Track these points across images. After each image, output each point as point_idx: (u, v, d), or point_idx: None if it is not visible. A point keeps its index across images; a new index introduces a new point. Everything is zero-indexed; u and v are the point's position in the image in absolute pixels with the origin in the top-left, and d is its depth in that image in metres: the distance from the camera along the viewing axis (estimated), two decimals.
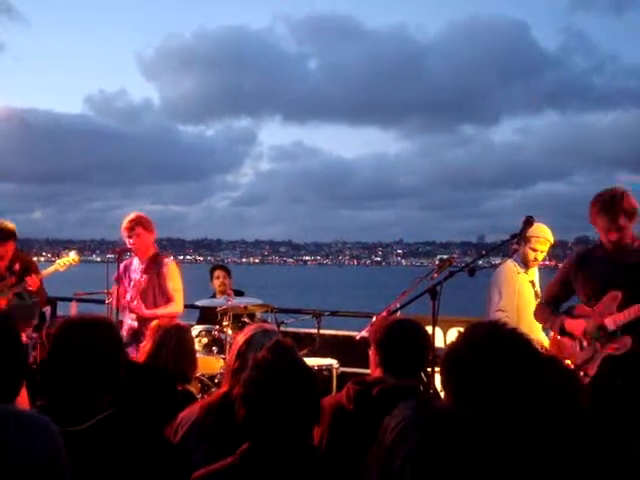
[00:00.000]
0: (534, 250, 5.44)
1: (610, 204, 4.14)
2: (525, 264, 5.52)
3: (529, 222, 4.72)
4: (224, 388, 3.10)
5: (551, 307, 4.60)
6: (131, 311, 5.74)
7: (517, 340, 2.09)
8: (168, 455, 2.36)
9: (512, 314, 5.36)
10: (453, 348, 2.13)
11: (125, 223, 5.83)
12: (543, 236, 5.44)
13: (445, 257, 5.87)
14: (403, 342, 3.05)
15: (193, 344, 4.50)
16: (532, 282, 5.58)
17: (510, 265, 5.48)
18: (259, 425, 2.24)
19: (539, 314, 4.71)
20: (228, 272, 7.65)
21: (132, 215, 5.91)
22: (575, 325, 4.31)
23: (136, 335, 5.72)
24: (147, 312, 5.71)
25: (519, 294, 5.49)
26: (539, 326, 5.15)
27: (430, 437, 1.50)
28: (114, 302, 5.80)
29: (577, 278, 4.41)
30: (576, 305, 4.47)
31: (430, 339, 3.30)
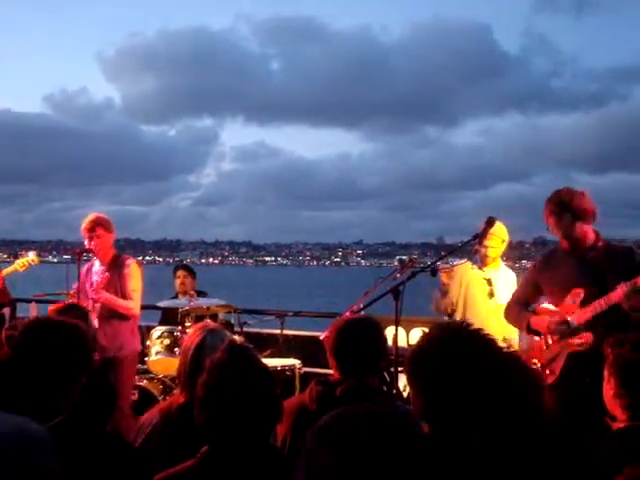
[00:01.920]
0: (484, 247, 5.52)
1: (556, 203, 4.22)
2: (480, 261, 5.61)
3: (490, 223, 4.76)
4: (182, 397, 3.07)
5: (520, 306, 4.59)
6: (93, 299, 5.65)
7: (482, 339, 2.10)
8: (129, 458, 2.35)
9: (459, 308, 5.58)
10: (418, 348, 2.14)
11: (85, 224, 5.74)
12: (494, 233, 5.47)
13: (404, 258, 5.92)
14: (354, 342, 3.01)
15: (86, 317, 4.31)
16: (488, 280, 5.62)
17: (464, 263, 5.61)
18: (219, 427, 2.24)
19: (508, 314, 4.70)
20: (190, 273, 7.56)
21: (92, 216, 5.83)
22: (539, 322, 4.34)
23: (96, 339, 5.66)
24: (106, 295, 5.63)
25: (467, 290, 5.61)
26: (493, 323, 5.22)
27: (356, 439, 1.51)
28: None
29: (543, 279, 4.45)
30: (539, 305, 4.50)
31: (384, 337, 3.28)
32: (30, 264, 6.09)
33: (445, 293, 5.63)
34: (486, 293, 5.60)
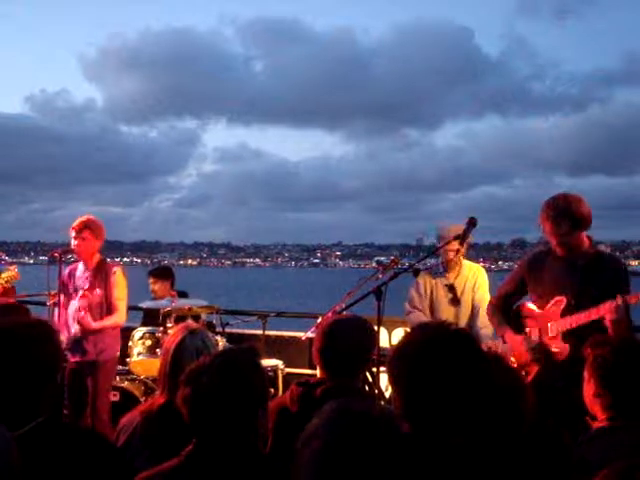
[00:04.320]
0: (447, 251, 5.57)
1: (555, 209, 4.16)
2: (445, 267, 5.69)
3: (472, 223, 4.74)
4: (162, 398, 3.07)
5: (500, 308, 4.56)
6: (79, 323, 5.59)
7: (464, 339, 2.12)
8: (109, 458, 2.34)
9: (427, 315, 5.68)
10: (400, 348, 2.15)
11: (74, 223, 5.68)
12: (441, 235, 5.53)
13: (382, 259, 5.95)
14: (341, 341, 3.00)
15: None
16: (450, 286, 5.66)
17: (422, 274, 5.62)
18: (204, 426, 2.24)
19: (490, 317, 4.67)
20: (160, 277, 7.41)
21: (84, 217, 5.76)
22: (514, 342, 4.34)
23: (79, 342, 5.61)
24: (95, 325, 5.58)
25: (431, 297, 5.71)
26: None
27: (337, 437, 1.52)
28: (57, 313, 5.65)
29: (530, 279, 4.42)
30: (523, 304, 4.48)
31: (372, 337, 3.28)
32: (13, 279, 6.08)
33: None
34: (447, 299, 5.66)
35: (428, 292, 5.71)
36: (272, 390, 5.89)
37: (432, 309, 5.71)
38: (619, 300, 3.88)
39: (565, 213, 4.14)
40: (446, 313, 5.59)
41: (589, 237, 4.27)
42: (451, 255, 5.57)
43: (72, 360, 5.62)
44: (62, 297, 5.74)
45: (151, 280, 7.42)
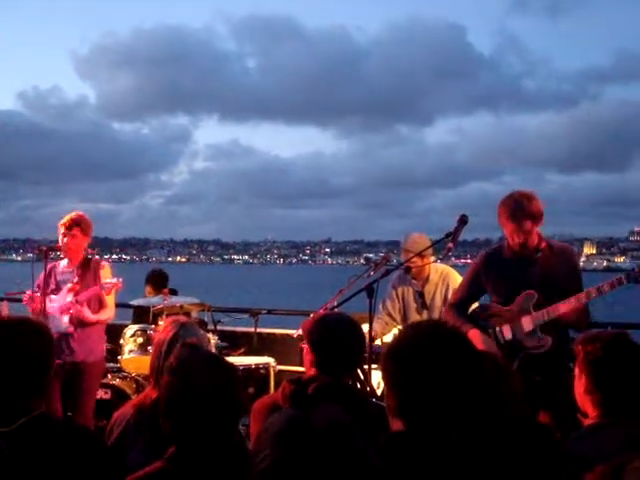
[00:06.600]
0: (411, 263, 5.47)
1: (516, 209, 4.19)
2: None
3: (463, 221, 4.73)
4: (155, 392, 3.06)
5: (460, 311, 4.55)
6: (76, 314, 5.50)
7: (458, 337, 2.14)
8: (100, 456, 2.33)
9: (398, 320, 5.73)
10: (394, 344, 2.16)
11: (64, 220, 5.58)
12: (408, 249, 5.48)
13: (371, 256, 5.97)
14: (336, 339, 2.99)
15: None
16: (419, 293, 5.67)
17: (393, 279, 5.69)
18: (183, 428, 2.24)
19: (449, 317, 4.57)
20: (157, 286, 7.36)
21: (73, 214, 5.67)
22: (482, 340, 4.29)
23: (64, 340, 5.49)
24: (91, 318, 5.50)
25: (403, 303, 5.75)
26: None
27: (286, 453, 1.52)
28: (36, 306, 5.54)
29: (487, 279, 4.46)
30: (489, 304, 4.49)
31: (364, 335, 3.29)
32: None
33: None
34: (418, 305, 5.68)
35: (400, 297, 5.75)
36: (252, 389, 5.89)
37: (404, 315, 5.74)
38: (604, 286, 3.98)
39: (527, 211, 4.18)
40: (415, 319, 5.60)
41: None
42: (412, 266, 5.53)
43: (57, 361, 5.51)
44: (37, 294, 5.58)
45: (147, 289, 7.45)
